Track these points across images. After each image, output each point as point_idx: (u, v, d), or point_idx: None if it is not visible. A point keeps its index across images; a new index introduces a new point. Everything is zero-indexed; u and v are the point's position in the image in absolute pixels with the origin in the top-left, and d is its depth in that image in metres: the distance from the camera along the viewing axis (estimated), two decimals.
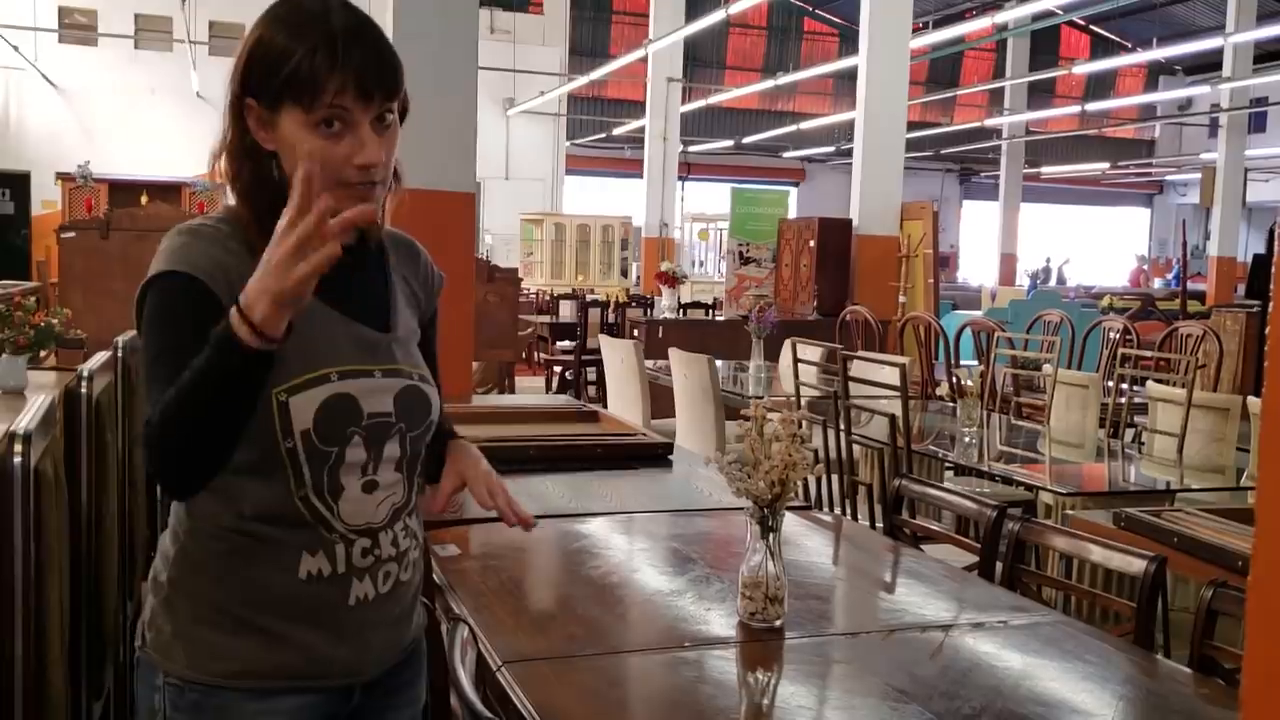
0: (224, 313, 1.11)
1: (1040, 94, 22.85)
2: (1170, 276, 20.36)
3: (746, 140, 20.90)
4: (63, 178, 12.22)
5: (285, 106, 1.22)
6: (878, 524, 3.72)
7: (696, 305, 10.50)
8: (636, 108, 16.96)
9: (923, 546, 2.69)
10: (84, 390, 2.02)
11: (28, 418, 1.49)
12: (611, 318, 9.19)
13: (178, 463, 1.15)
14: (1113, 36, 23.57)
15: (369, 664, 1.33)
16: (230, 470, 1.19)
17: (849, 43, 19.53)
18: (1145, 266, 22.95)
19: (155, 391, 1.16)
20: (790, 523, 2.28)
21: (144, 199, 10.17)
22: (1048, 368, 5.01)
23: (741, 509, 1.76)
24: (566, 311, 10.43)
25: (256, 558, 1.25)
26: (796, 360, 4.83)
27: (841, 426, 4.11)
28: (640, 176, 15.09)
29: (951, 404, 4.95)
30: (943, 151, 23.00)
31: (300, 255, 1.06)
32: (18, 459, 1.40)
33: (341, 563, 1.28)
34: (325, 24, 1.21)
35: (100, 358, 2.34)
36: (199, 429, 1.13)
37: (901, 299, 8.06)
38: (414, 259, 1.44)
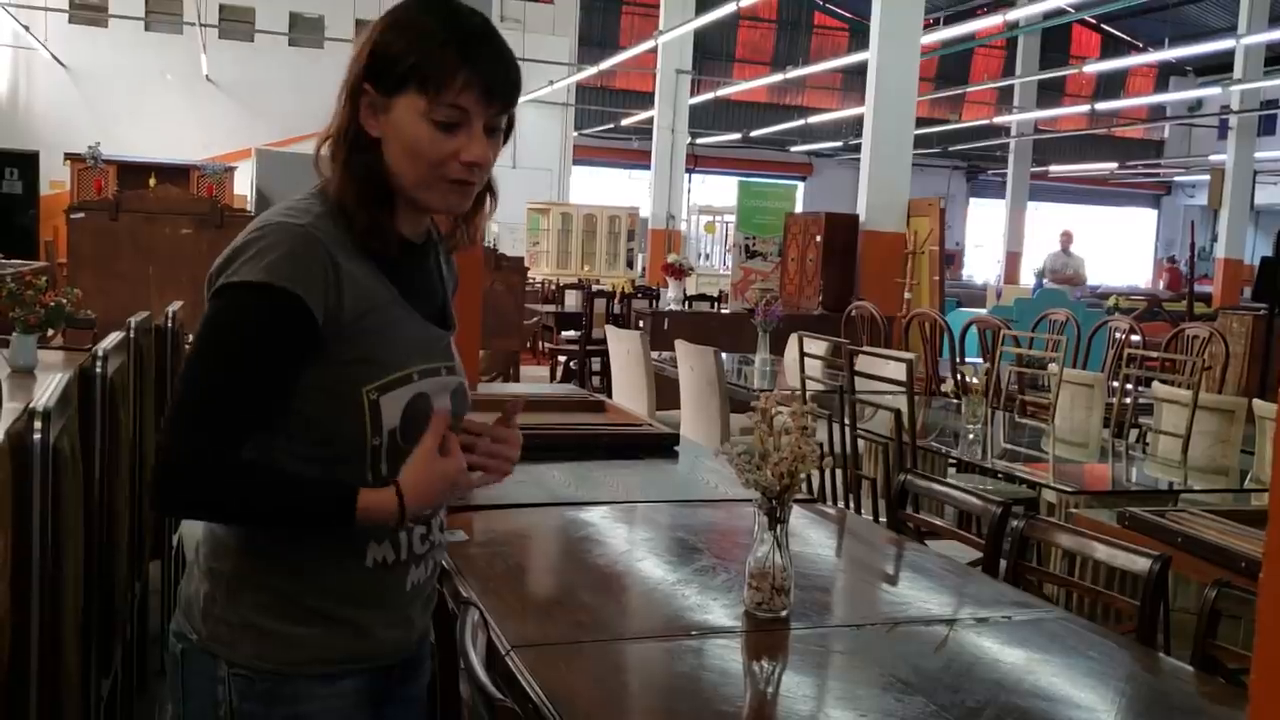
0: (315, 332, 1.19)
1: (1050, 92, 22.76)
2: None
3: (754, 133, 20.85)
4: (71, 158, 12.20)
5: (406, 94, 1.24)
6: (881, 518, 3.73)
7: (702, 298, 10.48)
8: (645, 99, 16.93)
9: (926, 542, 2.70)
10: (99, 370, 2.03)
11: (47, 395, 1.50)
12: (617, 308, 9.18)
13: (191, 515, 1.22)
14: (1124, 36, 23.50)
15: (414, 641, 1.40)
16: (317, 466, 1.23)
17: (859, 37, 19.44)
18: (1183, 268, 21.93)
19: (198, 412, 1.17)
20: (795, 515, 2.27)
21: (153, 181, 10.16)
22: (1053, 366, 5.01)
23: (746, 500, 1.77)
24: (572, 301, 10.42)
25: (327, 548, 1.28)
26: (803, 354, 4.84)
27: (846, 421, 4.12)
28: (648, 168, 15.07)
29: (956, 401, 4.95)
30: (951, 148, 22.91)
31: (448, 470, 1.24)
32: (37, 435, 1.41)
33: (404, 550, 1.33)
34: (456, 21, 1.25)
35: (114, 338, 2.35)
36: (243, 520, 1.24)
37: (907, 295, 8.06)
38: (450, 256, 1.46)
